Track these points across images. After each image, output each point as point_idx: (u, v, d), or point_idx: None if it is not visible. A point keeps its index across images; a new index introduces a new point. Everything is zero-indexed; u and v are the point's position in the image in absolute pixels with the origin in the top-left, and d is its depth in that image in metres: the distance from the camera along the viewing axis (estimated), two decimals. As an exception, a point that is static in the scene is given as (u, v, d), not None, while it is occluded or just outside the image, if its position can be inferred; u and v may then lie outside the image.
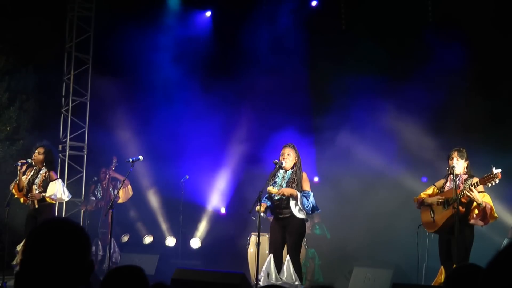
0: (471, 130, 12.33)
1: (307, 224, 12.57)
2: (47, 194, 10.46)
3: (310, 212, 9.09)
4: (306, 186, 9.10)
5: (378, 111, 13.45)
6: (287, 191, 8.92)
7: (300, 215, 8.95)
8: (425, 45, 13.16)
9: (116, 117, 14.97)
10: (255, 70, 14.25)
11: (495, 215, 8.46)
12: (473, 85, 12.67)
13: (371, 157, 13.39)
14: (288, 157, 9.16)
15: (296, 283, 8.88)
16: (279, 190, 8.95)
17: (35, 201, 10.46)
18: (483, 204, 8.28)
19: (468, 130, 12.32)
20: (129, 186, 13.39)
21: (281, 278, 8.85)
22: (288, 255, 9.00)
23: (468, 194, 8.25)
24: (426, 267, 11.36)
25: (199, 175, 14.59)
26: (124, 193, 13.19)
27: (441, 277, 8.61)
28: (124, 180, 11.13)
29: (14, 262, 10.61)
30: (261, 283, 8.71)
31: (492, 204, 8.41)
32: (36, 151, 10.70)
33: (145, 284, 3.46)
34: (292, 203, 8.93)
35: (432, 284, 8.87)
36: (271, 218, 9.39)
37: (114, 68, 14.84)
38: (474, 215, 8.45)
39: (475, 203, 8.38)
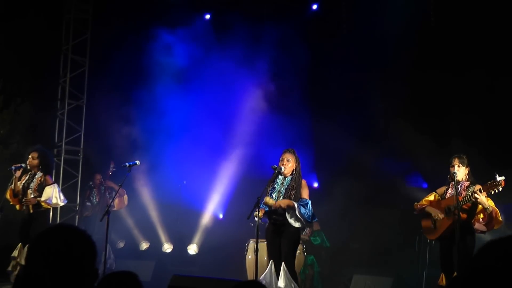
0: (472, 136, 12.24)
1: (307, 230, 12.51)
2: (42, 198, 10.31)
3: (309, 221, 8.97)
4: (305, 193, 8.99)
5: (380, 116, 13.38)
6: (284, 203, 8.82)
7: (296, 224, 8.84)
8: (428, 49, 13.11)
9: (112, 121, 14.82)
10: (255, 74, 14.15)
11: (500, 219, 8.42)
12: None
13: (371, 164, 13.30)
14: (288, 163, 9.05)
15: (295, 290, 8.78)
16: (276, 202, 8.83)
17: (30, 206, 10.30)
18: (490, 209, 8.24)
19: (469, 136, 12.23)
20: (125, 196, 13.30)
21: (279, 287, 8.73)
22: (283, 263, 8.86)
23: (476, 197, 8.18)
24: (426, 274, 11.27)
25: (196, 181, 14.47)
26: (119, 202, 13.08)
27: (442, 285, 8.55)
28: (118, 189, 10.96)
29: (9, 268, 10.45)
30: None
31: (497, 209, 8.35)
32: (30, 156, 10.56)
33: None
34: (288, 214, 8.82)
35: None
36: (266, 223, 9.28)
37: (111, 71, 14.72)
38: (480, 219, 8.42)
39: (479, 208, 8.34)
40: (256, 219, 8.81)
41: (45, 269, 2.44)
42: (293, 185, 8.97)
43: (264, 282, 8.84)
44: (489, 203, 8.31)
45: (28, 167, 10.56)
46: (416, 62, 13.08)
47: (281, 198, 8.93)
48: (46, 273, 2.43)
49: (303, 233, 12.52)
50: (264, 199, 8.82)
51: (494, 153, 11.69)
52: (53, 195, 10.40)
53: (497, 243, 2.01)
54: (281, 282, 8.73)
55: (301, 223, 8.86)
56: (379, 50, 13.09)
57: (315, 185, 14.37)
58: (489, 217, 8.36)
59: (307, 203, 8.85)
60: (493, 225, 8.46)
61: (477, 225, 8.48)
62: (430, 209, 8.83)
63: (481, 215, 8.43)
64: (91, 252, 2.58)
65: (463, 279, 1.97)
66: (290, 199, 8.86)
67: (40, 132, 14.70)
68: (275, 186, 9.06)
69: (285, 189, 8.99)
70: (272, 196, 8.96)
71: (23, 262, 10.12)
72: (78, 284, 2.47)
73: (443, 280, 8.61)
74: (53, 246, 2.49)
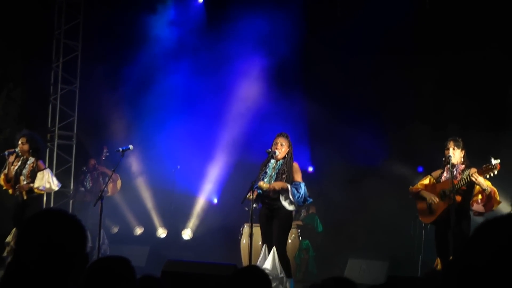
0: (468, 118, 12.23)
1: (303, 212, 12.50)
2: (35, 185, 10.27)
3: (301, 204, 8.94)
4: (298, 176, 8.97)
5: (373, 99, 13.34)
6: (278, 185, 8.79)
7: (289, 207, 8.83)
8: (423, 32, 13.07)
9: (105, 106, 14.75)
10: (248, 57, 14.08)
11: (498, 199, 8.40)
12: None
13: (367, 147, 13.27)
14: (281, 147, 9.01)
15: (281, 275, 8.74)
16: (270, 185, 8.79)
17: (24, 193, 10.26)
18: (488, 189, 8.21)
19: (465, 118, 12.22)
20: (119, 181, 13.28)
21: (265, 268, 8.71)
22: (274, 247, 8.85)
23: (473, 179, 8.15)
24: (422, 259, 11.27)
25: (190, 165, 14.42)
26: (112, 188, 13.05)
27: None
28: (111, 174, 10.90)
29: (5, 254, 10.44)
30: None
31: (495, 188, 8.33)
32: (19, 141, 10.52)
33: (132, 275, 3.35)
34: (282, 196, 8.78)
35: (429, 276, 8.74)
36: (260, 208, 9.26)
37: (104, 55, 14.63)
38: (479, 200, 8.38)
39: (477, 189, 8.32)
40: (254, 205, 8.81)
41: (34, 254, 2.40)
42: (284, 169, 8.94)
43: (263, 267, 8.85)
44: (486, 183, 8.29)
45: (20, 153, 10.51)
46: (411, 44, 13.05)
47: (273, 182, 8.90)
48: (35, 259, 2.39)
49: (299, 219, 12.50)
50: (258, 184, 8.79)
51: (489, 136, 11.66)
52: (46, 180, 10.36)
53: (493, 224, 1.95)
54: (267, 264, 8.73)
55: (295, 206, 8.84)
56: (374, 33, 13.03)
57: (310, 169, 14.35)
58: (488, 198, 8.33)
59: (300, 186, 8.83)
60: (492, 205, 8.42)
61: (475, 207, 8.44)
62: (424, 193, 8.78)
63: (479, 196, 8.40)
64: (80, 236, 2.52)
65: (461, 264, 1.92)
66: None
67: (33, 117, 14.60)
68: (267, 170, 9.03)
69: (276, 173, 8.96)
70: (264, 181, 8.95)
71: (16, 245, 10.09)
72: (68, 269, 2.43)
73: (439, 264, 8.60)
74: (42, 231, 2.45)
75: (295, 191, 8.75)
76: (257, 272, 3.65)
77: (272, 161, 9.05)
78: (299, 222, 12.55)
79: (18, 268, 2.40)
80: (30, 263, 2.38)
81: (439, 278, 3.31)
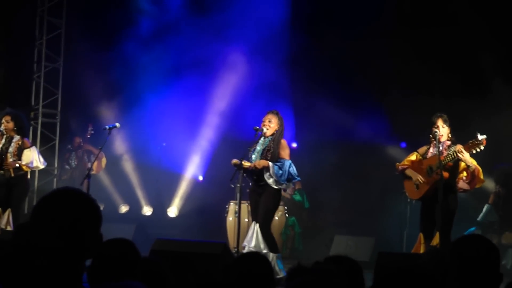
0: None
1: (288, 190, 12.50)
2: (23, 162, 10.29)
3: (286, 182, 8.91)
4: (284, 154, 8.96)
5: (356, 75, 13.36)
6: (259, 164, 8.79)
7: (273, 185, 8.82)
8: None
9: (90, 83, 14.67)
10: (233, 32, 14.03)
11: (482, 177, 8.47)
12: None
13: (351, 123, 13.30)
14: (269, 124, 9.02)
15: (264, 251, 8.74)
16: (251, 164, 8.82)
17: (11, 170, 10.24)
18: (473, 167, 8.26)
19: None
20: (104, 159, 13.28)
21: (248, 246, 8.79)
22: (257, 224, 8.87)
23: (460, 155, 8.18)
24: (407, 234, 11.32)
25: (176, 142, 14.41)
26: (97, 166, 13.05)
27: (420, 246, 8.54)
28: (98, 153, 10.90)
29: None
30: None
31: (479, 167, 8.39)
32: (4, 120, 10.48)
33: (137, 257, 3.44)
34: (265, 174, 8.80)
35: (412, 252, 8.79)
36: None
37: (88, 32, 14.54)
38: (464, 177, 8.44)
39: (462, 166, 8.37)
40: (240, 180, 8.83)
41: (50, 234, 2.38)
42: (270, 146, 8.95)
43: (247, 245, 8.86)
44: (471, 160, 8.34)
45: (4, 132, 10.48)
46: (392, 17, 13.06)
47: (258, 159, 8.91)
48: (51, 239, 2.37)
49: (286, 192, 12.51)
50: (242, 163, 8.80)
51: (472, 110, 11.71)
52: (33, 158, 10.42)
53: None
54: (251, 242, 8.77)
55: (279, 183, 8.83)
56: (361, 7, 13.01)
57: (294, 145, 14.36)
58: (472, 175, 8.38)
59: (284, 163, 8.81)
60: (475, 183, 8.50)
61: (461, 184, 8.51)
62: (410, 172, 8.80)
63: (464, 174, 8.46)
64: (96, 216, 2.51)
65: None
66: (267, 159, 8.84)
67: (16, 95, 14.54)
68: (257, 147, 9.05)
69: (263, 149, 8.97)
70: (252, 158, 8.95)
71: (3, 226, 10.09)
72: (83, 249, 2.44)
73: (421, 240, 8.62)
74: (59, 210, 2.42)
75: (278, 169, 8.76)
76: (259, 258, 3.64)
77: (262, 138, 9.06)
78: (286, 195, 12.61)
79: (31, 248, 2.39)
80: (45, 243, 2.37)
81: (443, 256, 3.33)
